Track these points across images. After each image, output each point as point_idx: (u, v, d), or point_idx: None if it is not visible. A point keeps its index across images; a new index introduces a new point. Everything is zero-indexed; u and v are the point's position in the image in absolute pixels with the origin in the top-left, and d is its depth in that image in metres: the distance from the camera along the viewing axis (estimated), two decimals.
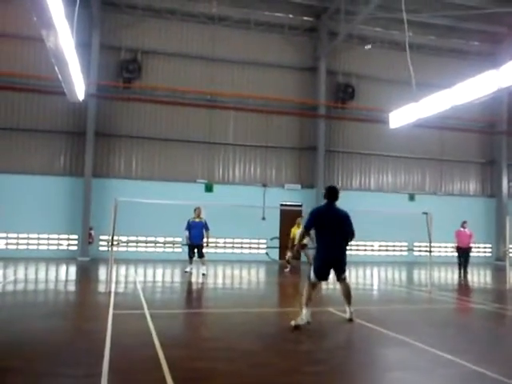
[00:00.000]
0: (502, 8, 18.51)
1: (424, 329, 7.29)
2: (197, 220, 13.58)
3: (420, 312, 9.10)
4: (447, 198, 22.80)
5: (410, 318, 8.26)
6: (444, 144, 22.69)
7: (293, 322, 6.84)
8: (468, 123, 22.05)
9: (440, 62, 22.14)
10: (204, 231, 13.52)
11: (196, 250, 13.59)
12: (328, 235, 7.27)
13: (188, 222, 13.65)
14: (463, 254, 15.33)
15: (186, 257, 13.96)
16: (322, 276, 7.33)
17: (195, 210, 13.70)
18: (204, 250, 13.74)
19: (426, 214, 12.34)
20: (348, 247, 7.56)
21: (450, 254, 21.98)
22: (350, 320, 7.40)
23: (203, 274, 13.40)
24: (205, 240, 13.58)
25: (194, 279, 12.94)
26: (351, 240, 7.49)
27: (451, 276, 16.56)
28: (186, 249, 13.98)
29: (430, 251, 12.34)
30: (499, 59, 19.97)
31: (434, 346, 5.94)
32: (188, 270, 13.73)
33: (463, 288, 13.56)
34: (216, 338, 6.43)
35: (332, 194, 7.53)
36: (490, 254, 23.29)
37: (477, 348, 6.23)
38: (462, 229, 15.59)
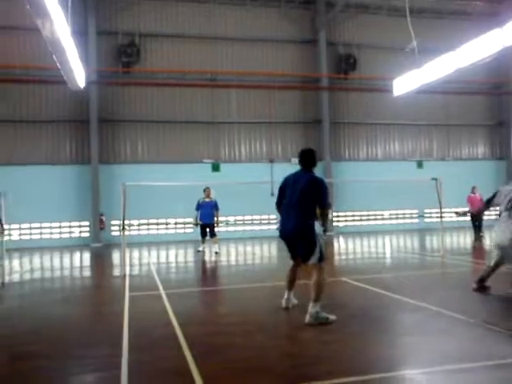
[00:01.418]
0: None
1: (438, 293, 7.33)
2: (207, 200, 13.59)
3: (434, 277, 9.14)
4: (456, 162, 22.63)
5: (424, 284, 8.30)
6: (450, 109, 22.43)
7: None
8: (474, 86, 21.72)
9: (442, 25, 21.72)
10: (214, 211, 13.55)
11: (208, 230, 13.66)
12: (286, 206, 5.99)
13: (198, 202, 13.69)
14: (476, 218, 15.63)
15: (198, 237, 14.04)
16: (289, 252, 6.20)
17: (205, 190, 13.69)
18: (216, 229, 13.81)
19: (435, 179, 12.30)
20: (325, 219, 6.07)
21: (461, 219, 21.98)
22: (310, 325, 5.47)
23: (216, 253, 13.49)
24: (215, 219, 13.64)
25: (207, 258, 13.05)
26: (326, 211, 6.06)
27: (463, 240, 16.58)
28: (198, 229, 14.05)
29: (441, 217, 12.34)
30: (502, 18, 19.54)
31: (448, 309, 5.98)
32: (201, 249, 13.81)
33: (476, 251, 13.58)
34: (232, 313, 6.52)
35: (303, 159, 6.06)
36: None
37: (491, 308, 6.27)
38: (472, 194, 15.80)
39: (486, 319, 5.47)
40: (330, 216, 6.17)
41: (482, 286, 7.21)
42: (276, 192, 6.31)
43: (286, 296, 6.42)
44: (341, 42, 21.43)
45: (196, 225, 13.90)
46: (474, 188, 15.94)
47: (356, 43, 21.40)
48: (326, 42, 20.90)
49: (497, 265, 7.21)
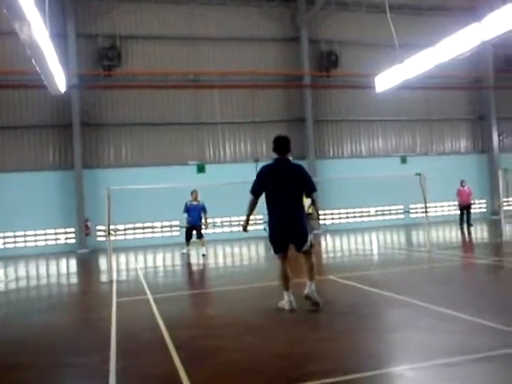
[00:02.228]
0: None
1: (426, 288, 7.37)
2: (194, 203, 13.58)
3: (421, 272, 9.20)
4: (439, 157, 22.83)
5: (411, 279, 8.35)
6: (431, 104, 22.61)
7: (279, 304, 6.32)
8: (454, 81, 21.93)
9: (421, 20, 21.87)
10: (202, 214, 13.54)
11: (195, 232, 13.62)
12: (279, 200, 6.01)
13: (186, 205, 13.65)
14: (465, 210, 16.37)
15: (184, 240, 13.97)
16: (280, 247, 6.18)
17: (192, 192, 13.66)
18: (203, 231, 13.78)
19: (418, 175, 12.39)
20: (317, 205, 6.71)
21: (446, 213, 22.23)
22: (307, 298, 6.13)
23: (203, 255, 13.45)
24: (203, 222, 13.63)
25: (194, 260, 12.99)
26: (313, 196, 6.30)
27: (449, 234, 16.73)
28: (184, 231, 14.01)
29: (426, 212, 12.43)
30: (480, 12, 19.77)
31: (436, 304, 6.01)
32: (185, 251, 13.78)
33: (461, 245, 13.71)
34: (220, 315, 6.48)
35: (281, 145, 6.12)
36: (485, 210, 23.46)
37: (478, 302, 6.31)
38: (461, 187, 16.27)
39: (474, 313, 5.50)
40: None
41: None
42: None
43: (290, 297, 6.22)
44: (322, 39, 21.47)
45: (185, 227, 13.84)
46: (462, 181, 16.47)
47: (337, 40, 21.46)
48: (307, 39, 20.93)
49: None
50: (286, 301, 6.27)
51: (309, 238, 6.14)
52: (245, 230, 6.61)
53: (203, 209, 13.55)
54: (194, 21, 20.14)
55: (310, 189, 6.11)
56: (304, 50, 20.83)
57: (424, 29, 20.88)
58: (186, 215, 13.59)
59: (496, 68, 22.79)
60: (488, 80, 22.87)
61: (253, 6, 20.78)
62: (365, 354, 4.45)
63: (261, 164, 19.84)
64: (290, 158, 6.27)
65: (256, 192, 6.21)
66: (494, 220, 20.87)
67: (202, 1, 20.16)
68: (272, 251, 6.38)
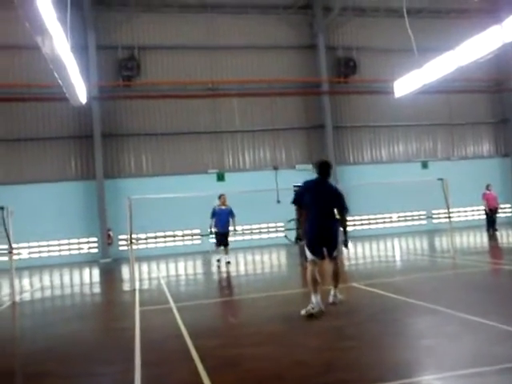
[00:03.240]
0: None
1: (451, 295, 7.25)
2: (223, 207, 13.13)
3: (445, 278, 9.05)
4: (461, 162, 22.48)
5: (435, 286, 8.21)
6: (452, 108, 22.33)
7: (303, 311, 6.33)
8: (475, 84, 21.62)
9: (441, 24, 21.66)
10: (230, 218, 13.12)
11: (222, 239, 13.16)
12: (316, 211, 6.69)
13: (213, 210, 13.18)
14: (492, 214, 16.27)
15: (205, 247, 13.84)
16: (317, 252, 6.68)
17: (219, 197, 13.24)
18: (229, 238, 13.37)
19: (441, 180, 12.23)
20: (345, 223, 7.54)
21: (470, 218, 21.87)
22: (333, 304, 6.71)
23: (228, 263, 13.21)
24: (231, 228, 13.20)
25: (216, 269, 12.98)
26: (345, 215, 7.10)
27: (474, 240, 16.45)
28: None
29: (450, 217, 12.25)
30: (501, 14, 19.51)
31: (462, 311, 5.90)
32: (219, 258, 13.26)
33: (487, 250, 13.45)
34: (243, 323, 6.46)
35: (322, 170, 6.89)
36: (510, 214, 23.00)
37: (504, 308, 6.17)
38: (487, 191, 16.16)
39: (500, 320, 5.38)
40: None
41: None
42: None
43: (317, 299, 6.44)
44: (340, 45, 21.43)
45: (211, 233, 13.40)
46: (488, 185, 16.35)
47: (355, 46, 21.39)
48: (325, 46, 20.90)
49: None
50: (314, 303, 6.41)
51: (338, 247, 6.98)
52: (299, 239, 7.54)
53: (231, 213, 13.13)
54: (212, 30, 20.30)
55: (340, 207, 6.93)
56: (322, 57, 20.80)
57: (443, 32, 20.67)
58: (211, 220, 13.11)
59: None
60: (509, 82, 22.50)
61: (270, 13, 20.85)
62: (390, 363, 4.38)
63: (280, 172, 19.83)
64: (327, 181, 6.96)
65: (295, 202, 6.90)
66: None
67: (219, 10, 20.32)
68: (308, 256, 6.75)
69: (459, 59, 10.33)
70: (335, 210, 6.91)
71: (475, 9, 22.03)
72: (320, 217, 6.72)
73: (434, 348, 4.73)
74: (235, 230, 13.41)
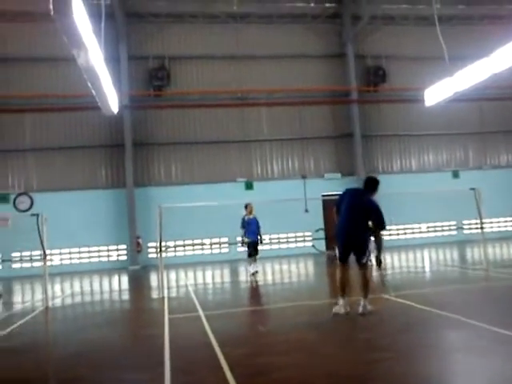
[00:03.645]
0: None
1: (483, 308, 7.08)
2: (251, 217, 12.88)
3: (478, 291, 8.85)
4: (494, 171, 22.01)
5: (467, 298, 8.03)
6: (484, 116, 21.92)
7: (334, 309, 6.93)
8: (508, 91, 21.17)
9: (473, 30, 21.34)
10: (257, 228, 12.84)
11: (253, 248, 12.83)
12: (345, 216, 7.07)
13: (243, 220, 12.88)
14: None
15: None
16: (342, 256, 7.07)
17: (246, 206, 13.01)
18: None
19: (473, 189, 11.99)
20: (379, 238, 7.15)
21: (503, 229, 21.34)
22: (362, 314, 6.79)
23: (256, 272, 13.13)
24: (259, 237, 12.90)
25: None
26: (379, 230, 7.12)
27: (507, 251, 16.02)
28: (243, 247, 13.24)
29: (482, 228, 11.98)
30: None
31: (495, 325, 5.75)
32: (252, 270, 12.77)
33: None
34: (272, 332, 6.44)
35: (367, 184, 7.37)
36: None
37: None
38: None
39: None
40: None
41: None
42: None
43: (344, 302, 6.92)
44: (369, 54, 21.34)
45: (243, 243, 13.00)
46: None
47: (384, 55, 21.26)
48: (353, 54, 20.85)
49: None
50: (340, 305, 6.88)
51: (366, 254, 7.01)
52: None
53: (257, 224, 12.88)
54: (241, 40, 20.49)
55: (377, 222, 7.03)
56: (350, 66, 20.74)
57: (476, 39, 20.35)
58: (242, 231, 12.80)
59: None
60: None
61: (298, 23, 20.93)
62: (421, 377, 4.29)
63: (308, 181, 19.77)
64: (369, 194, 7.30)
65: (336, 205, 7.36)
66: None
67: (248, 20, 20.51)
68: (338, 256, 7.18)
69: (492, 66, 10.13)
70: (370, 223, 7.11)
71: (509, 15, 21.62)
72: (347, 225, 7.03)
73: (465, 363, 4.62)
74: (261, 240, 13.09)
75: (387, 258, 16.39)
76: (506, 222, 21.13)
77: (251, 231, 12.79)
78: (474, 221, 16.10)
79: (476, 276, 11.02)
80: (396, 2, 20.68)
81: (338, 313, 6.83)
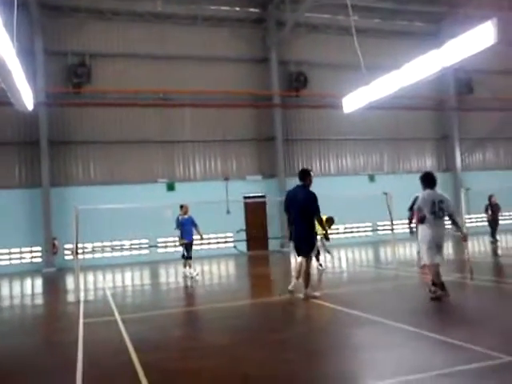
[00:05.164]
0: None
1: (392, 306, 7.51)
2: (186, 217, 12.82)
3: (388, 290, 9.35)
4: (406, 175, 23.29)
5: (378, 297, 8.48)
6: (399, 123, 23.16)
7: (289, 287, 8.36)
8: (419, 101, 22.53)
9: (387, 44, 22.48)
10: (193, 228, 12.80)
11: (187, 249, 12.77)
12: (292, 215, 8.25)
13: (178, 220, 12.81)
14: (494, 224, 17.49)
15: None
16: (297, 252, 8.38)
17: (181, 207, 12.93)
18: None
19: (385, 194, 12.66)
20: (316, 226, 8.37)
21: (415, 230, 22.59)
22: (305, 299, 8.06)
23: (197, 274, 12.87)
24: (196, 236, 12.84)
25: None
26: (316, 217, 8.21)
27: (415, 252, 16.99)
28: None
29: (393, 229, 12.68)
30: (442, 38, 20.48)
31: (403, 322, 6.13)
32: (194, 273, 12.72)
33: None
34: (189, 336, 6.45)
35: (300, 176, 8.39)
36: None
37: (444, 318, 6.47)
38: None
39: (438, 330, 5.64)
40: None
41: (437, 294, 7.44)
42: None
43: (293, 282, 8.40)
44: (292, 60, 21.84)
45: (181, 244, 12.91)
46: (491, 196, 16.86)
47: (306, 61, 21.86)
48: (277, 60, 21.25)
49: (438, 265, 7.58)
50: (292, 285, 8.39)
51: (312, 250, 8.45)
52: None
53: (193, 222, 12.80)
54: (165, 40, 20.22)
55: (313, 213, 8.17)
56: (274, 71, 21.13)
57: (389, 52, 21.47)
58: (178, 231, 12.72)
59: (458, 90, 23.63)
60: (450, 102, 23.65)
61: (223, 26, 21.02)
62: (334, 374, 4.51)
63: (230, 182, 19.85)
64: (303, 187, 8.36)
65: (285, 210, 8.58)
66: (455, 236, 21.30)
67: (173, 20, 20.30)
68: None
69: (402, 79, 10.77)
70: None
71: (419, 32, 23.15)
72: (296, 220, 8.25)
73: (374, 358, 4.91)
74: (202, 237, 12.99)
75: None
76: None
77: (186, 231, 12.72)
78: (387, 222, 16.93)
79: (387, 275, 11.64)
80: (319, 12, 21.33)
81: (315, 295, 8.17)
